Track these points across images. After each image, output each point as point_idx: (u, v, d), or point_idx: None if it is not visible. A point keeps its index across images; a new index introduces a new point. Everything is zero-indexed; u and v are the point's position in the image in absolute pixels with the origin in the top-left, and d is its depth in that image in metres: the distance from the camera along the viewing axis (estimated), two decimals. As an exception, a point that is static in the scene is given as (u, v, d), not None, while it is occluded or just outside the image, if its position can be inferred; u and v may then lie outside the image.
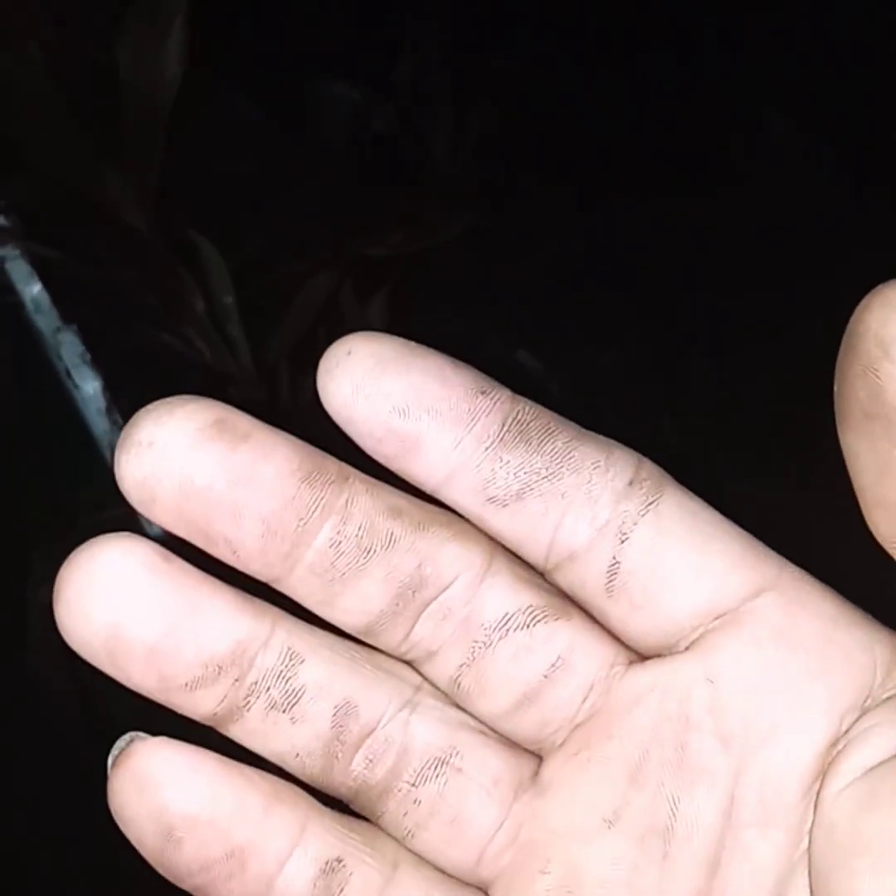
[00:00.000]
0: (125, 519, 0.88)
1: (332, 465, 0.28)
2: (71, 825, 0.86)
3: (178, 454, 0.27)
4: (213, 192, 0.99)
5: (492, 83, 1.11)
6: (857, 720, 0.27)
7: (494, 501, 0.28)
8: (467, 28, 1.12)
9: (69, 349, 0.86)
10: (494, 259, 1.07)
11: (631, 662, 0.29)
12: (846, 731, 0.27)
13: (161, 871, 0.28)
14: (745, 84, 1.13)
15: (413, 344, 0.28)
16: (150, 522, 0.82)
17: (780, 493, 0.98)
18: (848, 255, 1.07)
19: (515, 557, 0.29)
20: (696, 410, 1.06)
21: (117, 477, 0.28)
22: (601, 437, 0.29)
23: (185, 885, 0.29)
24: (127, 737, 0.29)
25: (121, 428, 0.81)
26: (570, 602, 0.29)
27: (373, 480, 0.29)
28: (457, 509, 0.29)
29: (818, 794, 0.27)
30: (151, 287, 0.91)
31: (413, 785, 0.29)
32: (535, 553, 0.29)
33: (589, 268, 1.10)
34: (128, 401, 0.87)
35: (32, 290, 0.87)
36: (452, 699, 0.30)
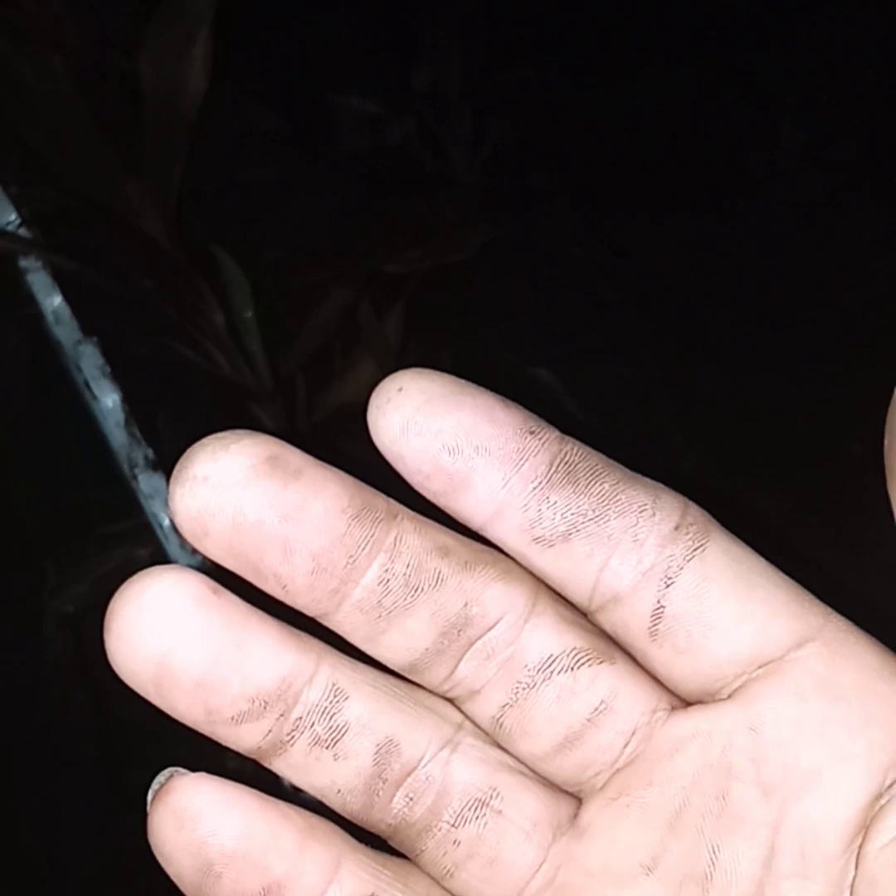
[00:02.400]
0: (140, 530, 0.87)
1: (382, 502, 0.28)
2: (77, 827, 0.86)
3: (232, 489, 0.27)
4: (233, 203, 0.99)
5: (509, 96, 1.12)
6: None
7: (540, 541, 0.28)
8: (484, 41, 1.12)
9: (89, 361, 0.86)
10: (510, 274, 1.07)
11: (673, 708, 0.29)
12: (890, 786, 0.27)
13: None
14: (763, 97, 1.13)
15: (463, 382, 0.28)
16: (167, 535, 0.82)
17: (793, 511, 0.98)
18: (868, 271, 1.07)
19: (559, 598, 0.29)
20: (710, 428, 1.06)
21: (171, 510, 0.28)
22: (648, 481, 0.29)
23: None
24: (166, 772, 0.29)
25: (138, 440, 0.81)
26: (614, 645, 0.29)
27: (421, 518, 0.29)
28: (502, 548, 0.29)
29: (860, 848, 0.27)
30: (171, 299, 0.91)
31: (453, 825, 0.29)
32: (578, 594, 0.29)
33: (605, 284, 1.10)
34: (145, 413, 0.87)
35: (53, 301, 0.87)
36: (493, 739, 0.30)
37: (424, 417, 0.28)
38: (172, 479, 0.28)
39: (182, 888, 0.29)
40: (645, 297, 1.10)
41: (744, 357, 1.09)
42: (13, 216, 0.89)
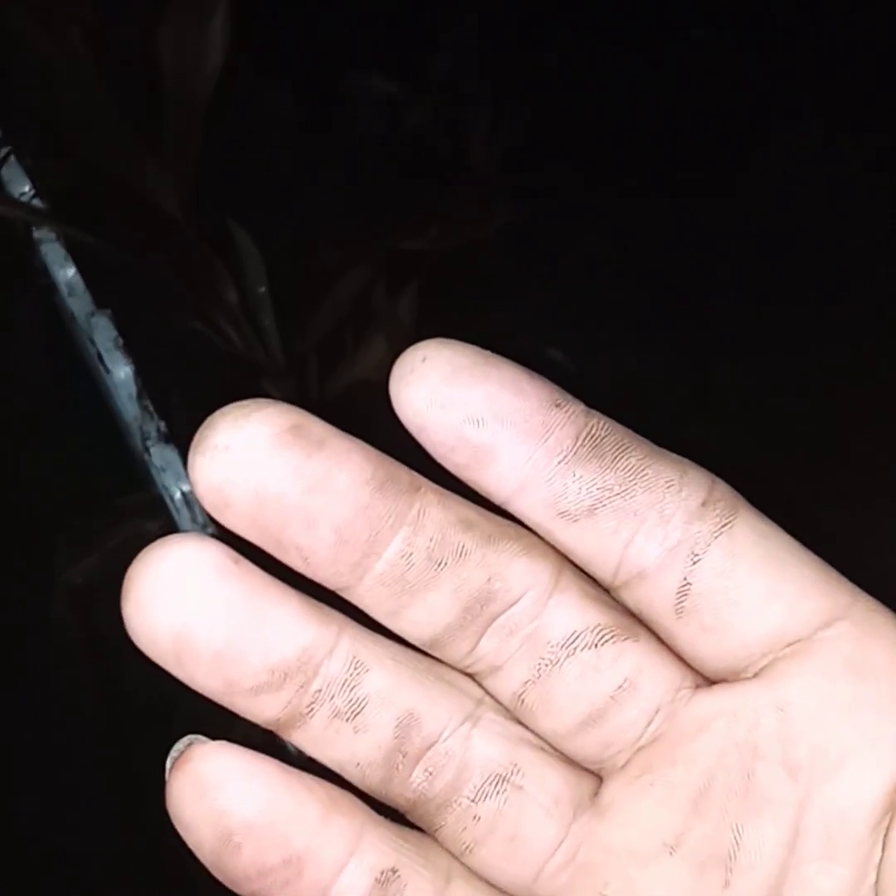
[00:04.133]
0: (151, 503, 0.87)
1: (405, 474, 0.28)
2: (86, 799, 0.86)
3: (254, 459, 0.27)
4: (249, 182, 0.99)
5: (528, 81, 1.11)
6: None
7: (565, 516, 0.28)
8: (505, 26, 1.12)
9: (102, 333, 0.86)
10: (525, 257, 1.07)
11: (697, 687, 0.29)
12: None
13: (218, 875, 0.28)
14: (779, 86, 1.12)
15: (488, 353, 0.28)
16: (178, 508, 0.81)
17: (810, 498, 0.98)
18: (882, 259, 1.07)
19: (583, 574, 0.29)
20: (724, 414, 1.05)
21: (192, 480, 0.27)
22: (675, 456, 0.28)
23: (241, 891, 0.28)
24: (186, 740, 0.28)
25: (151, 413, 0.81)
26: (638, 622, 0.29)
27: (444, 491, 0.28)
28: (526, 522, 0.28)
29: (887, 830, 0.27)
30: (185, 275, 0.91)
31: (473, 800, 0.29)
32: (602, 570, 0.28)
33: (620, 269, 1.10)
34: (158, 387, 0.87)
35: (67, 273, 0.87)
36: (514, 715, 0.29)
37: (449, 388, 0.27)
38: (192, 448, 0.27)
39: (201, 858, 0.28)
40: (661, 282, 1.10)
41: (759, 344, 1.09)
42: (28, 187, 0.89)
